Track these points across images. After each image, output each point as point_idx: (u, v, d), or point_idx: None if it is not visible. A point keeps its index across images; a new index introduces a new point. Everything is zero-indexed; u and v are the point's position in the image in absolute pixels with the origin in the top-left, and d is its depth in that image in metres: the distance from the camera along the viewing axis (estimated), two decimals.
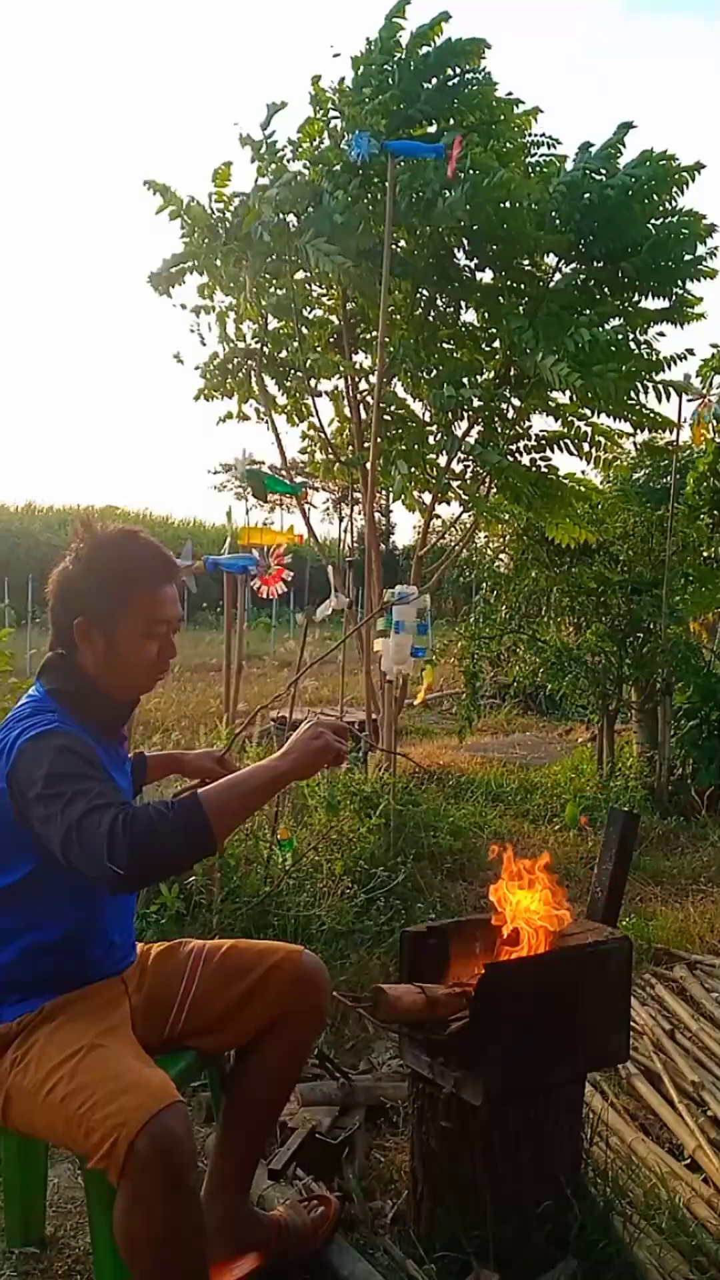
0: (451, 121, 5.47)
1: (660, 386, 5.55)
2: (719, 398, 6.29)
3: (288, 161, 5.69)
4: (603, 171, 5.43)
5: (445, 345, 6.01)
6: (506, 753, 8.17)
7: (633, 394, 5.59)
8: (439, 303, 5.88)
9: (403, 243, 5.57)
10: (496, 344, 5.91)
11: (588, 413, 5.98)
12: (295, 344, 6.16)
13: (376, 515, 6.15)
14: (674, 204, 5.51)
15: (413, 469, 5.73)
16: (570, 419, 6.07)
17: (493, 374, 5.92)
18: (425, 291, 5.77)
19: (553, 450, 6.16)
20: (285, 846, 3.63)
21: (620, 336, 5.22)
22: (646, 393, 5.55)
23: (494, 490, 6.20)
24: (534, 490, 5.89)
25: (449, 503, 6.33)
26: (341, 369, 6.11)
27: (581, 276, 5.76)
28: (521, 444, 6.14)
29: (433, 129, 5.49)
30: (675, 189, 5.44)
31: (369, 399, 5.96)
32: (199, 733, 5.15)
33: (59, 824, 1.50)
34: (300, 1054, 1.99)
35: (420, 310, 5.90)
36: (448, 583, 9.60)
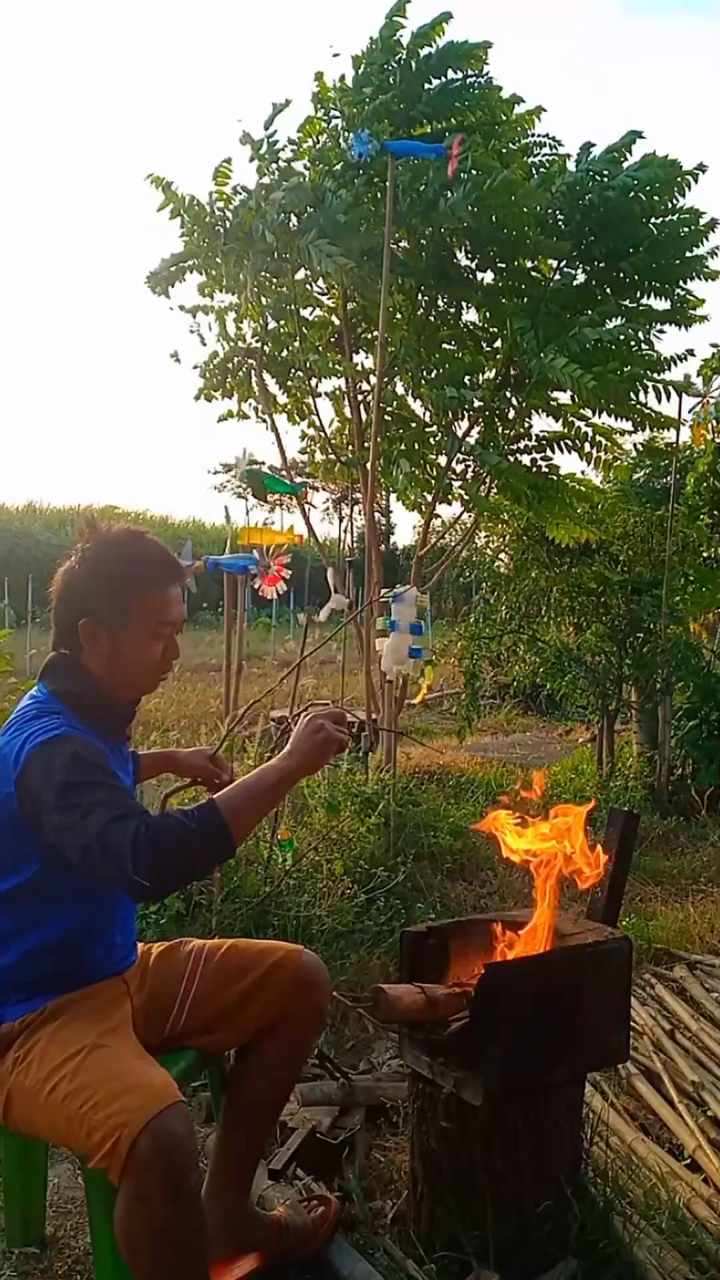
0: (453, 121, 5.47)
1: (661, 386, 5.56)
2: (719, 398, 6.30)
3: (288, 161, 5.69)
4: (605, 173, 5.43)
5: (446, 346, 6.01)
6: (506, 753, 8.18)
7: (634, 394, 5.60)
8: (440, 303, 5.88)
9: (404, 243, 5.57)
10: (498, 344, 5.91)
11: (588, 413, 5.98)
12: (296, 344, 6.16)
13: (376, 515, 6.15)
14: (675, 204, 5.51)
15: (414, 470, 5.73)
16: (571, 419, 6.08)
17: (494, 374, 5.92)
18: (426, 292, 5.77)
19: (553, 450, 6.16)
20: (285, 847, 3.63)
21: (623, 337, 5.21)
22: (647, 392, 5.55)
23: (494, 490, 6.20)
24: (534, 492, 5.89)
25: (450, 503, 6.34)
26: (342, 369, 6.11)
27: (583, 277, 5.76)
28: (522, 444, 6.15)
29: (432, 129, 5.49)
30: (677, 193, 5.44)
31: (369, 399, 5.96)
32: (199, 732, 5.15)
33: (79, 835, 1.51)
34: (300, 1054, 1.99)
35: (421, 310, 5.90)
36: (448, 583, 9.61)
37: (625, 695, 6.53)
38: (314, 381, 6.38)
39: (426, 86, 5.37)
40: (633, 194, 5.33)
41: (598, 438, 6.13)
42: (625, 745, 6.84)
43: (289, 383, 6.48)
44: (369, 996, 2.00)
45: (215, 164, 5.75)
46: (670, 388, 5.60)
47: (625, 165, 5.53)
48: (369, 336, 6.15)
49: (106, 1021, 1.68)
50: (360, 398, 6.21)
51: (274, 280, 5.89)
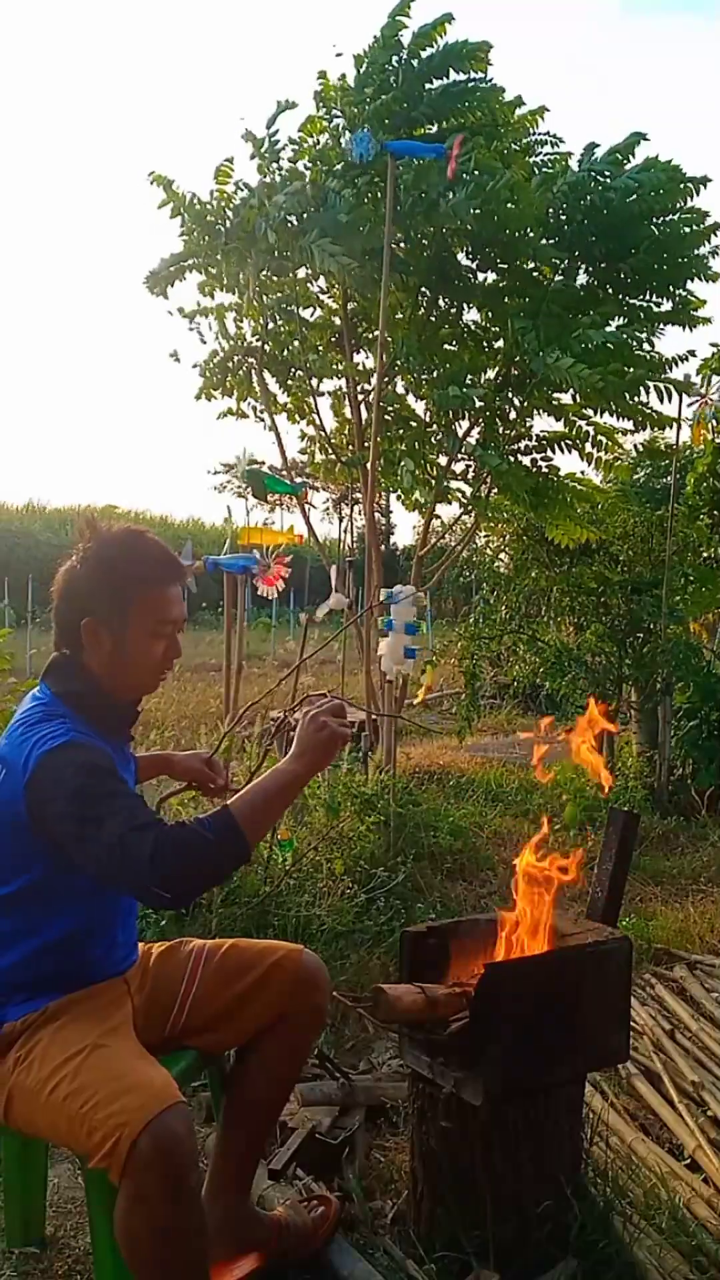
0: (453, 122, 5.46)
1: (663, 387, 5.57)
2: (719, 398, 6.30)
3: (289, 160, 5.69)
4: (607, 174, 5.43)
5: (447, 346, 6.01)
6: (506, 753, 8.17)
7: (636, 394, 5.60)
8: (441, 303, 5.88)
9: (404, 243, 5.57)
10: (499, 344, 5.91)
11: (590, 413, 5.98)
12: (296, 343, 6.16)
13: (376, 515, 6.15)
14: (677, 206, 5.51)
15: (417, 470, 5.74)
16: (572, 419, 6.08)
17: (494, 374, 5.92)
18: (427, 291, 5.77)
19: (554, 450, 6.16)
20: (285, 847, 3.63)
21: (626, 338, 5.22)
22: (649, 392, 5.56)
23: (494, 490, 6.20)
24: (534, 496, 5.89)
25: (450, 503, 6.34)
26: (342, 369, 6.11)
27: (584, 278, 5.76)
28: (522, 444, 6.15)
29: (434, 129, 5.49)
30: (679, 199, 5.44)
31: (369, 399, 5.96)
32: (199, 732, 5.15)
33: (94, 845, 1.52)
34: (300, 1054, 1.99)
35: (422, 310, 5.90)
36: (448, 583, 9.61)
37: (625, 695, 6.53)
38: (315, 381, 6.38)
39: (428, 87, 5.37)
40: (634, 196, 5.32)
41: (599, 437, 6.14)
42: (625, 745, 6.84)
43: (289, 382, 6.48)
44: (369, 996, 2.00)
45: (216, 163, 5.76)
46: (672, 387, 5.61)
47: (628, 167, 5.53)
48: (370, 336, 6.16)
49: (107, 1021, 1.68)
50: (361, 397, 6.21)
51: (276, 278, 5.89)
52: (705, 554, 7.09)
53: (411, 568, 6.64)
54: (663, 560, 6.28)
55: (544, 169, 5.77)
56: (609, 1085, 2.68)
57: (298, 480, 6.03)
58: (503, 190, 4.87)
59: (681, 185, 5.39)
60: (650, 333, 5.73)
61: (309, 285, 6.08)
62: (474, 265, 5.73)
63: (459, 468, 6.18)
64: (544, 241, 5.52)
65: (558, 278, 5.73)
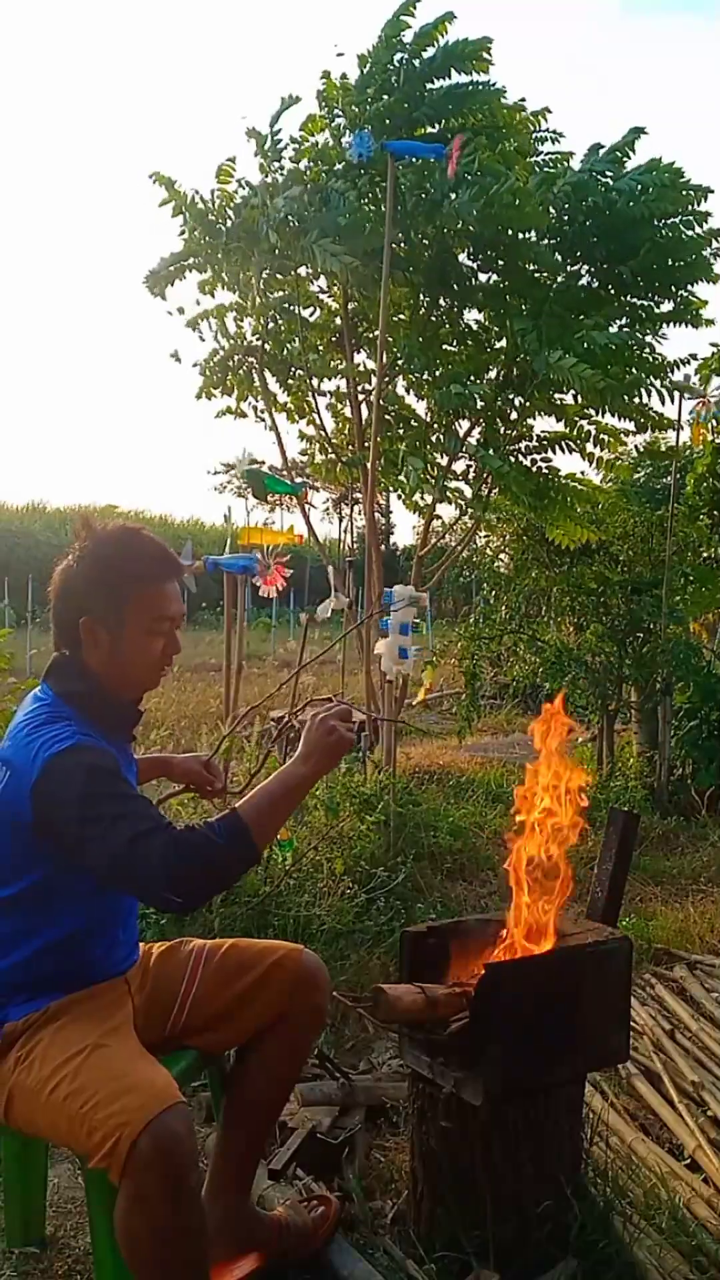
0: (454, 123, 5.46)
1: (666, 390, 5.57)
2: (719, 398, 6.30)
3: (291, 159, 5.69)
4: (609, 174, 5.43)
5: (447, 346, 6.00)
6: (506, 753, 8.16)
7: (638, 396, 5.60)
8: (442, 303, 5.88)
9: (405, 243, 5.57)
10: (501, 344, 5.91)
11: (591, 413, 5.98)
12: (296, 343, 6.15)
13: (376, 515, 6.15)
14: (679, 209, 5.50)
15: (420, 470, 5.74)
16: (574, 419, 6.08)
17: (496, 374, 5.92)
18: (428, 292, 5.77)
19: (554, 451, 6.16)
20: (285, 847, 3.63)
21: (631, 342, 5.22)
22: (650, 395, 5.56)
23: (494, 492, 6.20)
24: (534, 497, 5.89)
25: (450, 502, 6.34)
26: (343, 369, 6.11)
27: (586, 279, 5.76)
28: (523, 444, 6.14)
29: (435, 130, 5.48)
30: (682, 205, 5.44)
31: (370, 399, 5.96)
32: (199, 733, 5.15)
33: (104, 848, 1.52)
34: (300, 1053, 1.99)
35: (423, 310, 5.90)
36: (448, 583, 9.62)
37: (625, 695, 6.53)
38: (315, 381, 6.38)
39: (429, 88, 5.36)
40: (637, 199, 5.32)
41: (601, 436, 6.13)
42: (625, 745, 6.84)
43: (290, 381, 6.48)
44: (369, 996, 2.00)
45: (218, 162, 5.76)
46: (673, 387, 5.61)
47: (629, 165, 5.53)
48: (370, 336, 6.16)
49: (108, 1021, 1.68)
50: (361, 397, 6.21)
51: (279, 276, 5.89)
52: (705, 554, 7.09)
53: (411, 568, 6.63)
54: (663, 560, 6.28)
55: (545, 169, 5.76)
56: (609, 1085, 2.68)
57: (298, 480, 6.03)
58: (506, 194, 4.86)
59: (684, 192, 5.38)
60: (654, 333, 5.73)
61: (309, 285, 6.08)
62: (475, 266, 5.73)
63: (459, 467, 6.19)
64: (546, 242, 5.52)
65: (560, 279, 5.73)
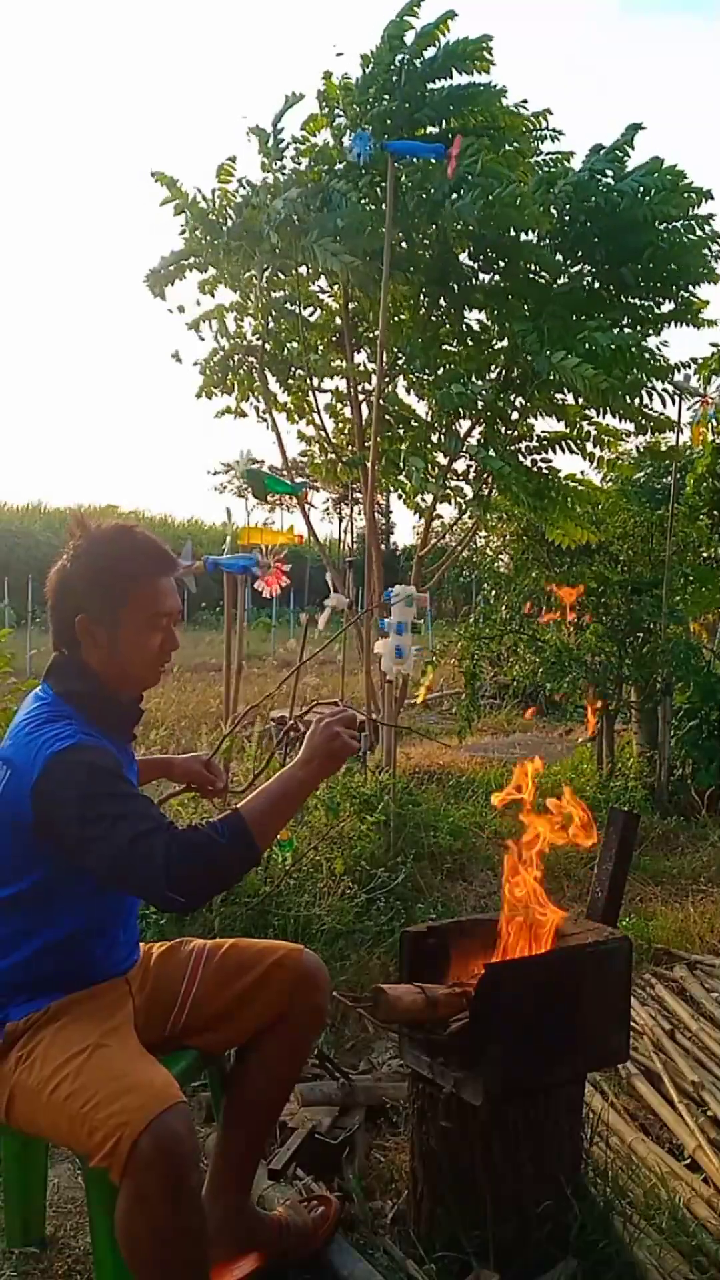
0: (455, 124, 5.46)
1: (668, 392, 5.57)
2: (719, 398, 6.30)
3: (293, 159, 5.69)
4: (609, 174, 5.43)
5: (448, 346, 6.00)
6: (506, 753, 8.17)
7: (640, 397, 5.60)
8: (442, 303, 5.88)
9: (405, 243, 5.57)
10: (501, 344, 5.91)
11: (592, 413, 5.98)
12: (297, 343, 6.15)
13: (376, 515, 6.15)
14: (681, 211, 5.50)
15: (423, 470, 5.74)
16: (575, 419, 6.08)
17: (496, 374, 5.92)
18: (429, 292, 5.77)
19: (554, 451, 6.17)
20: (285, 847, 3.63)
21: (633, 345, 5.22)
22: (652, 397, 5.56)
23: (494, 492, 6.20)
24: (534, 497, 5.89)
25: (450, 502, 6.34)
26: (343, 369, 6.10)
27: (587, 280, 5.76)
28: (523, 444, 6.14)
29: (436, 131, 5.48)
30: (684, 208, 5.44)
31: (370, 398, 5.96)
32: (199, 732, 5.15)
33: (106, 847, 1.52)
34: (300, 1053, 1.99)
35: (424, 310, 5.89)
36: (448, 583, 9.63)
37: (625, 695, 6.53)
38: (315, 381, 6.38)
39: (430, 88, 5.36)
40: (639, 200, 5.32)
41: (602, 436, 6.13)
42: (625, 745, 6.84)
43: (290, 381, 6.48)
44: (369, 996, 2.00)
45: (219, 161, 5.76)
46: (674, 387, 5.61)
47: (629, 163, 5.53)
48: (371, 336, 6.16)
49: (109, 1021, 1.68)
50: (361, 397, 6.21)
51: (279, 276, 5.88)
52: (705, 554, 7.10)
53: (411, 568, 6.63)
54: (663, 560, 6.28)
55: (546, 169, 5.76)
56: (609, 1085, 2.68)
57: (298, 480, 6.03)
58: (508, 197, 4.86)
59: (686, 195, 5.38)
60: (655, 334, 5.74)
61: (310, 284, 6.08)
62: (476, 266, 5.73)
63: (460, 467, 6.19)
64: (547, 243, 5.52)
65: (561, 280, 5.73)
